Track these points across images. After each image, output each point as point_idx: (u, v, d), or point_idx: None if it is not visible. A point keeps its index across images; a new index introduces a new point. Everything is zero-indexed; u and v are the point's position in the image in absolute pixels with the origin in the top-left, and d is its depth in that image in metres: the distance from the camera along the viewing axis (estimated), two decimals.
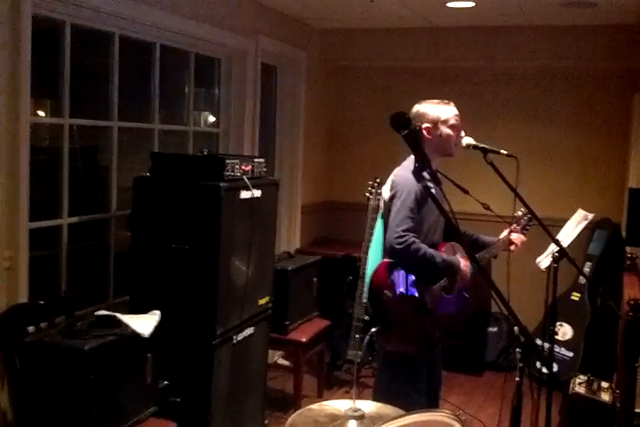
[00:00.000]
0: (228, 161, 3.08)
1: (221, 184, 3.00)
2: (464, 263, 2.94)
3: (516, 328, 1.90)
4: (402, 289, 2.80)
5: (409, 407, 2.85)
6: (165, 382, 2.98)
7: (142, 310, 2.90)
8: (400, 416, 1.76)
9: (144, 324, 2.73)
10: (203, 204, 3.03)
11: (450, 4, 4.38)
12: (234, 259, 3.16)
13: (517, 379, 2.03)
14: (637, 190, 3.71)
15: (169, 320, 2.91)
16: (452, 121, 3.00)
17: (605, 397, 3.75)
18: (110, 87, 3.52)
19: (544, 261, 3.07)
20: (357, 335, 4.22)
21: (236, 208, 3.13)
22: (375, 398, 3.05)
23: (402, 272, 2.84)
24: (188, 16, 3.79)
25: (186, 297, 3.07)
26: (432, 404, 3.20)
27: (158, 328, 2.78)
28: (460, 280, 2.96)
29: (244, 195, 3.17)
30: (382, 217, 3.02)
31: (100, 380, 2.48)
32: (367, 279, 2.97)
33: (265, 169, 3.47)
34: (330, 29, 5.55)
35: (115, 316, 2.71)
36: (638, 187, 4.09)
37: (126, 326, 2.67)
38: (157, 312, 2.84)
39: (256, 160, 3.38)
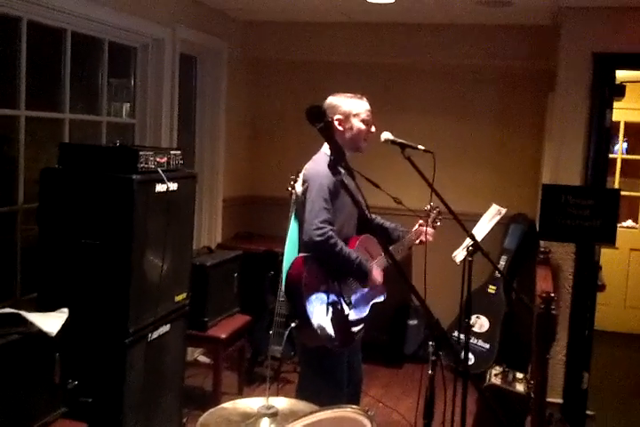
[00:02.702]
0: (141, 153, 2.98)
1: (134, 177, 2.89)
2: (376, 272, 2.96)
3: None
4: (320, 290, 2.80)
5: (330, 403, 2.85)
6: (75, 382, 2.86)
7: (51, 307, 2.76)
8: (311, 413, 1.74)
9: (51, 322, 2.61)
10: (114, 197, 2.91)
11: (370, 0, 4.38)
12: (148, 254, 3.06)
13: (430, 372, 2.04)
14: (550, 186, 3.81)
15: (80, 318, 2.80)
16: (364, 115, 3.02)
17: (520, 387, 3.85)
18: (18, 75, 3.35)
19: (459, 255, 3.11)
20: (278, 331, 4.19)
21: (151, 202, 3.03)
22: (298, 394, 3.05)
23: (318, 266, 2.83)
24: (101, 2, 3.65)
25: (97, 294, 2.95)
26: (353, 398, 3.21)
27: (67, 327, 2.66)
28: (370, 287, 2.98)
29: (159, 188, 3.07)
30: (295, 212, 3.01)
31: (2, 381, 2.36)
32: (283, 274, 2.94)
33: (182, 161, 3.37)
34: (252, 21, 5.48)
35: (19, 314, 2.58)
36: (551, 183, 4.21)
37: (32, 324, 2.55)
38: (65, 310, 2.72)
39: (172, 152, 3.28)
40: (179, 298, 3.40)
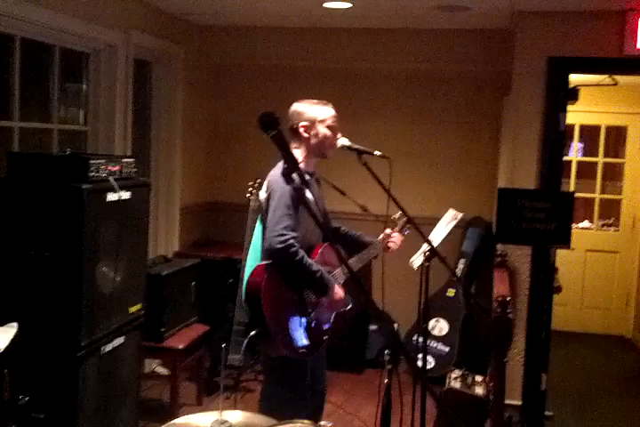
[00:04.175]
0: (92, 161, 2.92)
1: (84, 186, 2.83)
2: (338, 292, 2.92)
3: (395, 325, 1.90)
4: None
5: (293, 412, 2.81)
6: (26, 398, 2.78)
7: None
8: None
9: None
10: (64, 207, 2.84)
11: (326, 5, 4.37)
12: (100, 265, 2.99)
13: (386, 381, 2.03)
14: (505, 190, 3.83)
15: (30, 332, 2.72)
16: (330, 122, 2.99)
17: (479, 390, 3.87)
18: None
19: (416, 260, 3.11)
20: (238, 339, 4.14)
21: (102, 211, 2.96)
22: (261, 404, 3.01)
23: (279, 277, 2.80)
24: (51, 7, 3.56)
25: (47, 307, 2.88)
26: (317, 407, 3.18)
27: (17, 341, 2.58)
28: (328, 304, 2.95)
29: (111, 197, 3.01)
30: (261, 220, 2.97)
31: None
32: (244, 282, 2.90)
33: (135, 169, 3.31)
34: (210, 26, 5.42)
35: None
36: (507, 186, 4.25)
37: None
38: (14, 324, 2.63)
39: (125, 160, 3.22)
40: (133, 309, 3.33)
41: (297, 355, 2.83)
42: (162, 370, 4.60)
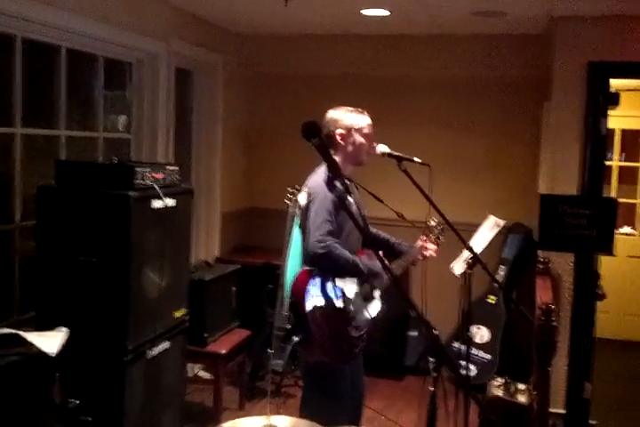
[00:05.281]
0: (137, 169, 2.97)
1: (130, 193, 2.89)
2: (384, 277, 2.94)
3: (435, 332, 1.90)
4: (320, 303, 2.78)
5: (332, 417, 2.83)
6: (76, 402, 2.84)
7: (49, 326, 2.74)
8: None
9: (50, 342, 2.59)
10: (111, 214, 2.90)
11: (364, 12, 4.39)
12: (146, 271, 3.04)
13: (431, 388, 2.03)
14: (547, 196, 3.79)
15: (79, 336, 2.77)
16: (366, 130, 3.02)
17: (522, 398, 3.83)
18: (13, 92, 3.35)
19: (457, 267, 3.10)
20: (279, 345, 4.16)
21: (148, 218, 3.02)
22: (301, 410, 3.03)
23: (323, 282, 2.81)
24: (95, 18, 3.64)
25: (95, 312, 2.94)
26: (356, 412, 3.19)
27: (66, 346, 2.64)
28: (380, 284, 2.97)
29: (156, 204, 3.07)
30: (300, 225, 2.99)
31: (3, 402, 2.33)
32: (286, 288, 2.92)
33: (178, 177, 3.37)
34: (248, 34, 5.48)
35: (18, 334, 2.56)
36: (548, 192, 4.21)
37: (31, 344, 2.53)
38: (64, 329, 2.69)
39: (169, 168, 3.28)
40: (177, 314, 3.38)
41: (336, 361, 2.85)
42: (204, 374, 4.66)
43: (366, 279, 2.90)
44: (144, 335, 3.07)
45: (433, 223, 3.23)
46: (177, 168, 3.35)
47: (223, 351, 3.95)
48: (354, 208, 2.82)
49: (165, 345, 3.26)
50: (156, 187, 3.05)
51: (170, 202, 3.16)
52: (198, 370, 4.65)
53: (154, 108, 4.30)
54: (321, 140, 2.00)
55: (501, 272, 4.99)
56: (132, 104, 4.32)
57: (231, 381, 4.49)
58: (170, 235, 3.23)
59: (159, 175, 3.14)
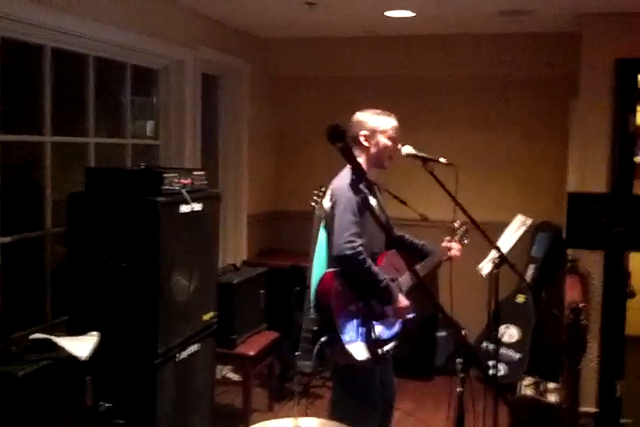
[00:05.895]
0: (165, 175, 3.02)
1: (159, 199, 2.93)
2: (402, 300, 2.94)
3: (463, 331, 1.90)
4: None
5: (362, 419, 2.84)
6: (108, 405, 2.89)
7: (81, 330, 2.81)
8: None
9: (81, 346, 2.64)
10: (140, 219, 2.95)
11: (388, 14, 4.39)
12: (175, 275, 3.09)
13: (459, 389, 2.03)
14: (576, 194, 3.76)
15: (110, 340, 2.82)
16: (391, 132, 3.02)
17: (552, 398, 3.81)
18: (42, 101, 3.42)
19: (485, 267, 3.09)
20: (306, 346, 4.18)
21: (176, 223, 3.06)
22: (331, 411, 3.05)
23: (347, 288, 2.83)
24: (121, 27, 3.70)
25: (126, 316, 2.99)
26: (386, 414, 3.20)
27: (98, 349, 2.69)
28: (393, 312, 2.96)
29: (184, 209, 3.11)
30: (325, 228, 3.01)
31: (35, 406, 2.39)
32: (313, 289, 2.94)
33: (205, 182, 3.41)
34: (272, 39, 5.52)
35: (50, 339, 2.62)
36: (577, 190, 4.17)
37: (62, 349, 2.58)
38: (95, 333, 2.75)
39: (196, 173, 3.32)
40: (206, 317, 3.42)
41: (364, 364, 2.86)
42: (233, 376, 4.70)
43: (377, 293, 2.89)
44: (174, 338, 3.11)
45: (456, 225, 3.22)
46: (204, 173, 3.40)
47: (252, 353, 3.99)
48: (377, 210, 2.82)
49: (195, 348, 3.30)
50: (183, 192, 3.09)
51: (197, 206, 3.20)
52: (227, 372, 4.69)
53: (181, 114, 4.35)
54: (345, 144, 2.01)
55: (530, 271, 4.95)
56: (159, 110, 4.37)
57: (260, 382, 4.53)
58: (198, 239, 3.27)
59: (186, 180, 3.19)
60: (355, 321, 2.84)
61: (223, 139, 5.14)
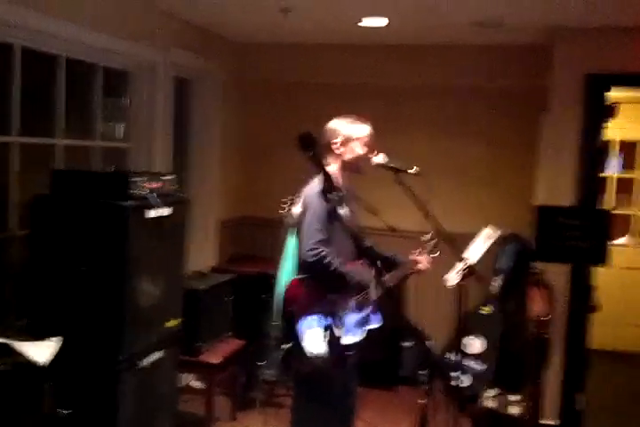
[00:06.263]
0: (133, 178, 2.99)
1: (126, 203, 2.90)
2: (373, 288, 2.94)
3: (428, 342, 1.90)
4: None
5: None
6: (67, 412, 2.84)
7: (42, 334, 2.75)
8: None
9: (41, 351, 2.59)
10: (107, 223, 2.91)
11: (363, 22, 4.41)
12: (140, 280, 3.05)
13: (422, 401, 2.03)
14: (545, 208, 3.82)
15: (72, 345, 2.78)
16: (365, 139, 3.03)
17: (514, 410, 3.84)
18: (11, 101, 3.36)
19: (451, 278, 3.10)
20: (272, 354, 4.16)
21: (143, 227, 3.03)
22: (292, 419, 3.02)
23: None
24: (93, 27, 3.65)
25: (89, 321, 2.94)
26: (349, 422, 3.18)
27: (59, 355, 2.64)
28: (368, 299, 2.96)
29: (152, 213, 3.07)
30: (296, 235, 3.00)
31: None
32: (279, 295, 2.93)
33: (175, 186, 3.38)
34: (247, 44, 5.51)
35: (8, 344, 2.56)
36: (544, 203, 4.22)
37: (21, 354, 2.53)
38: (56, 338, 2.70)
39: (165, 177, 3.29)
40: (171, 324, 3.38)
41: (326, 369, 2.84)
42: (196, 384, 4.64)
43: (352, 289, 2.89)
44: (137, 345, 3.07)
45: (426, 238, 3.23)
46: (173, 177, 3.37)
47: (216, 361, 3.95)
48: (348, 219, 2.82)
49: (158, 355, 3.26)
50: (151, 196, 3.06)
51: (165, 211, 3.17)
52: (191, 380, 4.63)
53: (152, 117, 4.31)
54: (315, 153, 2.01)
55: (496, 283, 4.97)
56: (130, 113, 4.33)
57: (224, 390, 4.48)
58: (165, 244, 3.23)
59: (155, 185, 3.15)
60: (318, 326, 2.82)
61: (194, 142, 5.11)
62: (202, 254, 5.12)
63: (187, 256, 3.77)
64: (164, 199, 3.17)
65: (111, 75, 4.17)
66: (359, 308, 2.98)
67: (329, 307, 2.86)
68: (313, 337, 2.77)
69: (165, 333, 3.32)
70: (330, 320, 2.85)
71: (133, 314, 3.00)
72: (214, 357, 3.98)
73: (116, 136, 4.42)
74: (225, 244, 5.42)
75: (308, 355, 2.76)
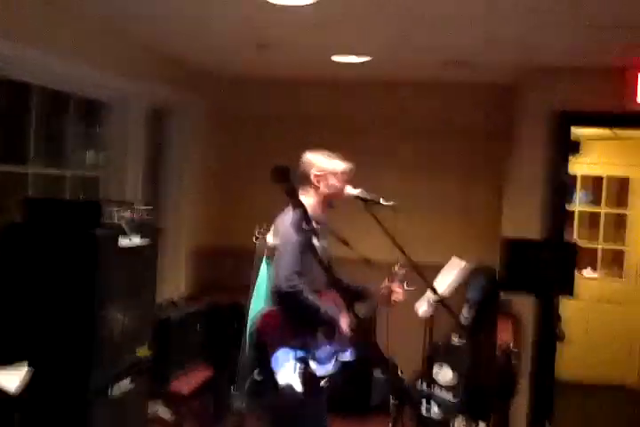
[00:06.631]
0: (105, 207, 3.01)
1: (98, 232, 2.91)
2: (344, 320, 2.96)
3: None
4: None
5: None
6: None
7: (10, 363, 2.73)
8: None
9: (11, 379, 2.57)
10: (79, 252, 2.92)
11: (335, 59, 4.52)
12: (111, 309, 3.05)
13: None
14: (510, 240, 3.90)
15: (41, 374, 2.75)
16: (340, 174, 3.09)
17: None
18: None
19: (422, 307, 3.15)
20: (242, 384, 4.14)
21: (114, 256, 3.04)
22: None
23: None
24: (67, 57, 3.65)
25: (59, 349, 2.92)
26: None
27: (28, 383, 2.62)
28: (339, 335, 2.98)
29: (123, 242, 3.09)
30: (268, 264, 3.02)
31: None
32: (250, 326, 2.94)
33: (146, 215, 3.39)
34: (224, 77, 5.57)
35: None
36: (511, 235, 4.31)
37: None
38: (24, 364, 2.67)
39: (136, 206, 3.31)
40: (141, 352, 3.36)
41: (298, 401, 2.85)
42: (165, 414, 4.59)
43: (321, 323, 2.91)
44: (107, 374, 3.05)
45: (396, 268, 3.28)
46: (145, 207, 3.39)
47: (185, 391, 3.93)
48: (321, 251, 2.85)
49: (128, 384, 3.24)
50: (123, 225, 3.07)
51: (137, 240, 3.18)
52: (159, 409, 4.58)
53: (125, 147, 4.33)
54: (290, 185, 2.06)
55: (466, 313, 5.03)
56: (103, 142, 4.35)
57: (193, 420, 4.43)
58: (136, 273, 3.24)
59: (127, 214, 3.17)
60: (291, 353, 2.84)
61: (168, 173, 5.13)
62: (174, 283, 5.11)
63: (158, 285, 3.77)
64: (137, 228, 3.19)
65: (87, 103, 4.20)
66: (331, 341, 2.99)
67: (302, 340, 2.88)
68: (286, 370, 2.78)
69: (136, 361, 3.31)
70: (303, 353, 2.86)
71: (104, 342, 2.99)
72: (184, 386, 3.96)
73: (89, 163, 4.42)
74: (197, 273, 5.41)
75: (282, 387, 2.76)
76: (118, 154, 4.33)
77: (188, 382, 4.04)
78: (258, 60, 4.82)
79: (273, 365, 2.77)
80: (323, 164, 3.07)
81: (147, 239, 3.29)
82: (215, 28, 3.89)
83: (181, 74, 5.02)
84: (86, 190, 4.09)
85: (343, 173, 3.09)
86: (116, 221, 3.06)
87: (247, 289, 4.32)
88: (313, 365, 2.89)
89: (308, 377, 2.85)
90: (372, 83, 5.40)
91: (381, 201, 3.08)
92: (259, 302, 2.99)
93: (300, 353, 2.85)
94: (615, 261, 6.72)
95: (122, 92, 4.29)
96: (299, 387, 2.79)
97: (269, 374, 2.79)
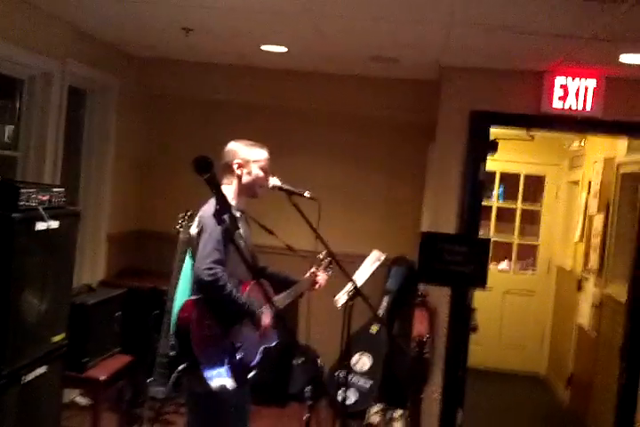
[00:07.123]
0: (23, 190, 2.93)
1: (15, 215, 2.84)
2: (265, 315, 2.99)
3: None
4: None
5: None
6: None
7: None
8: None
9: None
10: None
11: (264, 48, 4.53)
12: (26, 294, 2.97)
13: (306, 416, 2.11)
14: (428, 234, 4.03)
15: None
16: (263, 163, 3.11)
17: (398, 425, 3.99)
18: None
19: (341, 298, 3.22)
20: (161, 371, 4.13)
21: (31, 240, 2.96)
22: None
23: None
24: None
25: None
26: None
27: None
28: (259, 330, 3.01)
29: (40, 226, 3.01)
30: (191, 254, 3.02)
31: None
32: (174, 315, 2.93)
33: (64, 199, 3.32)
34: (148, 58, 5.49)
35: None
36: (429, 229, 4.44)
37: None
38: None
39: (55, 189, 3.24)
40: (56, 338, 3.30)
41: (226, 391, 2.87)
42: (82, 400, 4.53)
43: (241, 315, 2.94)
44: (20, 360, 2.98)
45: (321, 256, 3.34)
46: (63, 190, 3.31)
47: (102, 377, 3.87)
48: (242, 241, 2.87)
49: (42, 370, 3.18)
50: (40, 209, 3.00)
51: (54, 224, 3.11)
52: (76, 396, 4.52)
53: (43, 127, 4.21)
54: (211, 175, 2.07)
55: (384, 303, 5.17)
56: (21, 122, 4.21)
57: (110, 407, 4.39)
58: (53, 257, 3.18)
59: (45, 197, 3.10)
60: (216, 348, 2.85)
61: (87, 155, 5.02)
62: (91, 268, 5.03)
63: (75, 270, 3.70)
64: (53, 212, 3.12)
65: (5, 80, 4.06)
66: (253, 331, 3.02)
67: (225, 332, 2.88)
68: (219, 375, 2.79)
69: (50, 348, 3.25)
70: (225, 343, 2.87)
71: (18, 328, 2.92)
72: (101, 372, 3.91)
73: (4, 140, 4.26)
74: (115, 258, 5.34)
75: (215, 388, 2.78)
76: (38, 134, 4.20)
77: (105, 368, 3.98)
78: (183, 45, 4.76)
79: (199, 357, 2.78)
80: (244, 152, 3.08)
81: (64, 223, 3.22)
82: (140, 8, 3.82)
83: (103, 54, 4.93)
84: (2, 172, 3.96)
85: (265, 161, 3.11)
86: (33, 204, 2.99)
87: (168, 275, 4.31)
88: (237, 354, 2.92)
89: (236, 368, 2.88)
90: (298, 72, 5.43)
91: (305, 194, 3.12)
92: (183, 292, 2.99)
93: (223, 343, 2.87)
94: (530, 252, 7.04)
95: (42, 70, 4.16)
96: (231, 384, 2.82)
97: (193, 363, 2.80)
